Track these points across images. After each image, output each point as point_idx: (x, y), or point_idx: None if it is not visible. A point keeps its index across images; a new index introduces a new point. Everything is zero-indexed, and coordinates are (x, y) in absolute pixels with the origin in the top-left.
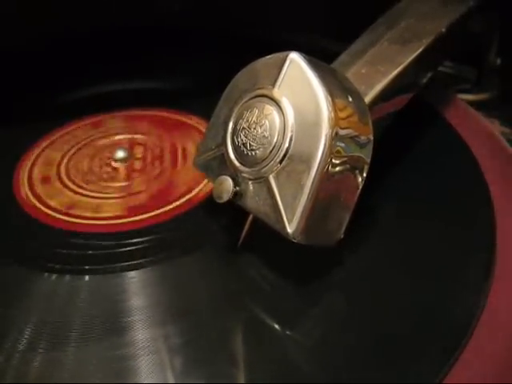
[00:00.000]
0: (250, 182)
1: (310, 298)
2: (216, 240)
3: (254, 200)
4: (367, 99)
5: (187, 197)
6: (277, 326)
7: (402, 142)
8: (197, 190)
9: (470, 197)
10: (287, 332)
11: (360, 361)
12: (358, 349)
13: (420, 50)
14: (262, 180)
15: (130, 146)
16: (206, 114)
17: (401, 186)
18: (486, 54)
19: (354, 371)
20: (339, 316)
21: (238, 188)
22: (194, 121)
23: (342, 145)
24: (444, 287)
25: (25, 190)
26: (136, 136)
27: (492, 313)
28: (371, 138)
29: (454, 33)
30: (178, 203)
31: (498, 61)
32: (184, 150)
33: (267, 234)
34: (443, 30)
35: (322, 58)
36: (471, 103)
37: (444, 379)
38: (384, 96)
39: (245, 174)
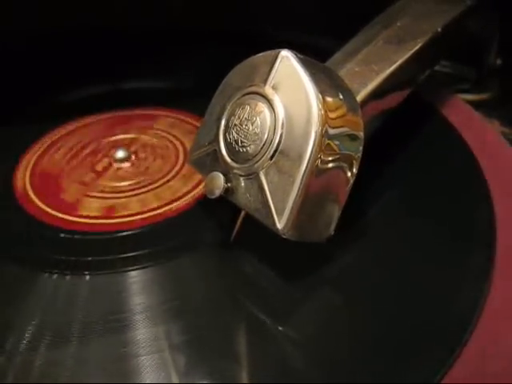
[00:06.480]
0: (241, 179)
1: (309, 296)
2: (214, 239)
3: (245, 196)
4: (359, 97)
5: (188, 196)
6: (275, 324)
7: (402, 141)
8: (197, 189)
9: (469, 196)
10: (286, 329)
11: (358, 360)
12: (356, 348)
13: (415, 49)
14: (253, 176)
15: (131, 146)
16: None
17: (400, 185)
18: (485, 54)
19: (351, 370)
20: (338, 314)
21: (229, 184)
22: (193, 120)
23: (332, 142)
24: (443, 285)
25: (26, 190)
26: (136, 136)
27: (493, 311)
28: (361, 135)
29: (451, 32)
30: (178, 203)
31: (498, 61)
32: (184, 149)
33: (263, 230)
34: (439, 29)
35: (317, 57)
36: (471, 103)
37: (444, 379)
38: (377, 94)
39: (236, 171)
